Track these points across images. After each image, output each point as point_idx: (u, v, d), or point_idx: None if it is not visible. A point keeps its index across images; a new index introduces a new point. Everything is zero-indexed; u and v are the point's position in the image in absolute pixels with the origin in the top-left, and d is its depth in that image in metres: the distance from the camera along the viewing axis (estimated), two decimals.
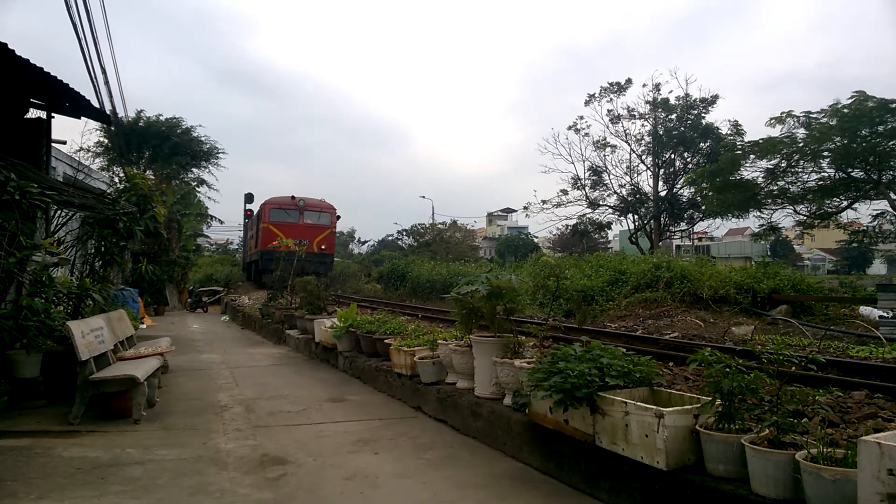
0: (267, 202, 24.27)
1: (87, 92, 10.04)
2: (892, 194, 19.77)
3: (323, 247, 23.74)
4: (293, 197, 24.14)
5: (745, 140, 25.75)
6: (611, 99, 33.59)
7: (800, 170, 21.73)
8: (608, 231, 40.42)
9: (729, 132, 30.51)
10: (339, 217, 25.53)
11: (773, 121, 21.40)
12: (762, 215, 24.34)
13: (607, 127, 33.89)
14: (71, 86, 6.98)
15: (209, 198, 27.16)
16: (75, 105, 7.88)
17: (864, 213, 22.61)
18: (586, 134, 34.19)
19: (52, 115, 7.91)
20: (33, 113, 7.89)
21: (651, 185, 33.44)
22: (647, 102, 33.11)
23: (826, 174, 21.34)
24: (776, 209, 23.69)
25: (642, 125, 33.52)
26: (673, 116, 32.47)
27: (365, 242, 68.40)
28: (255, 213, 27.25)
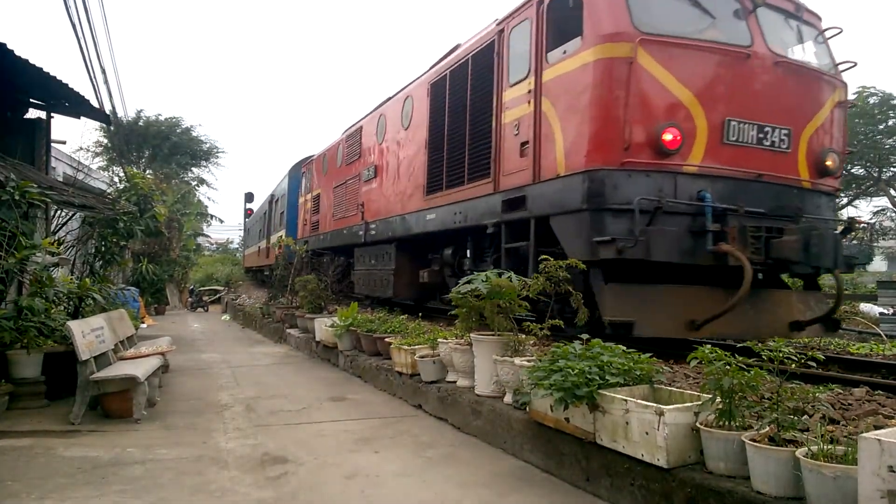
0: None
1: (88, 93, 10.05)
2: (892, 191, 19.79)
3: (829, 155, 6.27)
4: None
5: None
6: None
7: None
8: None
9: None
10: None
11: None
12: None
13: None
14: (70, 85, 6.99)
15: (208, 198, 27.24)
16: (74, 105, 7.89)
17: (864, 209, 22.69)
18: None
19: (52, 114, 7.92)
20: (33, 113, 7.90)
21: None
22: None
23: None
24: None
25: None
26: None
27: None
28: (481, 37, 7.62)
